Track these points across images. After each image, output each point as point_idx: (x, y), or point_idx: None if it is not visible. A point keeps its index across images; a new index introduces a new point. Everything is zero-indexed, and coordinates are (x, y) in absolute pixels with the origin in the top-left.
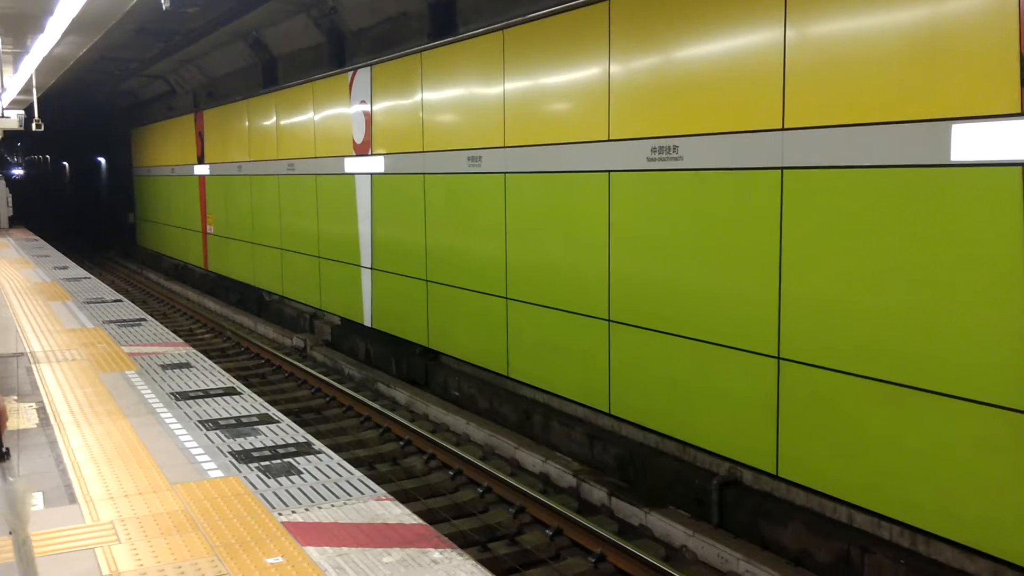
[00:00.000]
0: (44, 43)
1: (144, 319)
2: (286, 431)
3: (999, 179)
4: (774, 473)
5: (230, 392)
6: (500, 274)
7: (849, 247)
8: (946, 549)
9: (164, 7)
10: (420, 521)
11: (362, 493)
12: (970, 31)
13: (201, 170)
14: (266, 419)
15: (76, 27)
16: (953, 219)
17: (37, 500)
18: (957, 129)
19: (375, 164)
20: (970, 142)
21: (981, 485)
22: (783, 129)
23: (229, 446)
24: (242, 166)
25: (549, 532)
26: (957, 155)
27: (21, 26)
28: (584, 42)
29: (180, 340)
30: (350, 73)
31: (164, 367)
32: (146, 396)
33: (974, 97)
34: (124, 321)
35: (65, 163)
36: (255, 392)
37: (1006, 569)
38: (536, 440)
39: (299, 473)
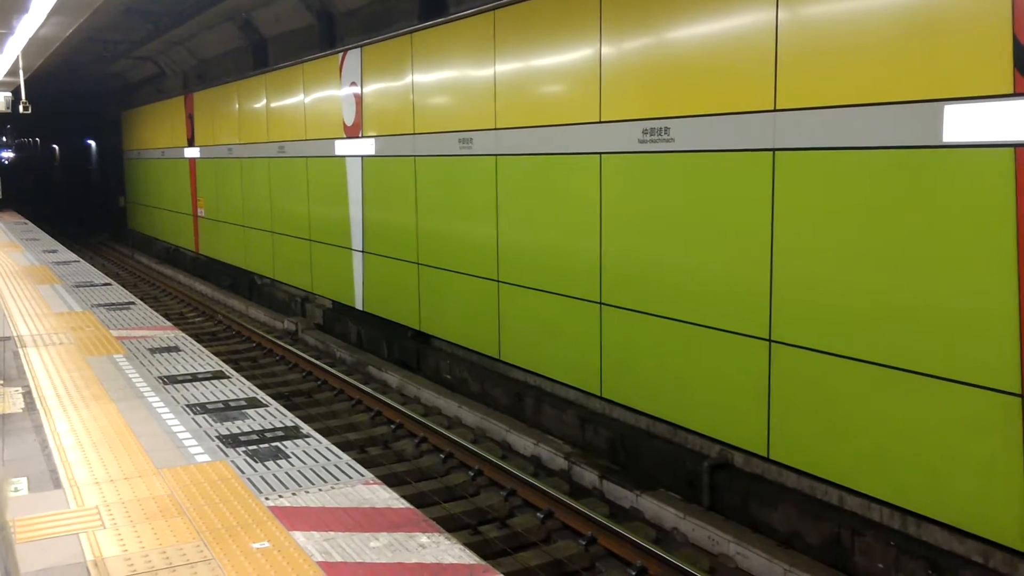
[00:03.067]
0: (29, 23)
1: (133, 303)
2: (274, 415)
3: (991, 160)
4: (765, 455)
5: (218, 376)
6: (491, 257)
7: (841, 229)
8: (936, 530)
9: None
10: (408, 505)
11: (350, 477)
12: (963, 11)
13: (191, 153)
14: (254, 403)
15: (62, 7)
16: (945, 201)
17: (22, 485)
18: (949, 110)
19: (366, 146)
20: (962, 123)
21: (971, 467)
22: (775, 110)
23: (216, 430)
24: (232, 149)
25: (540, 515)
26: (949, 136)
27: (5, 6)
28: (575, 23)
29: (169, 324)
30: (340, 55)
31: (152, 351)
32: (134, 380)
33: (966, 78)
34: (113, 305)
35: (55, 146)
36: (245, 376)
37: (995, 550)
38: (527, 423)
39: (287, 457)
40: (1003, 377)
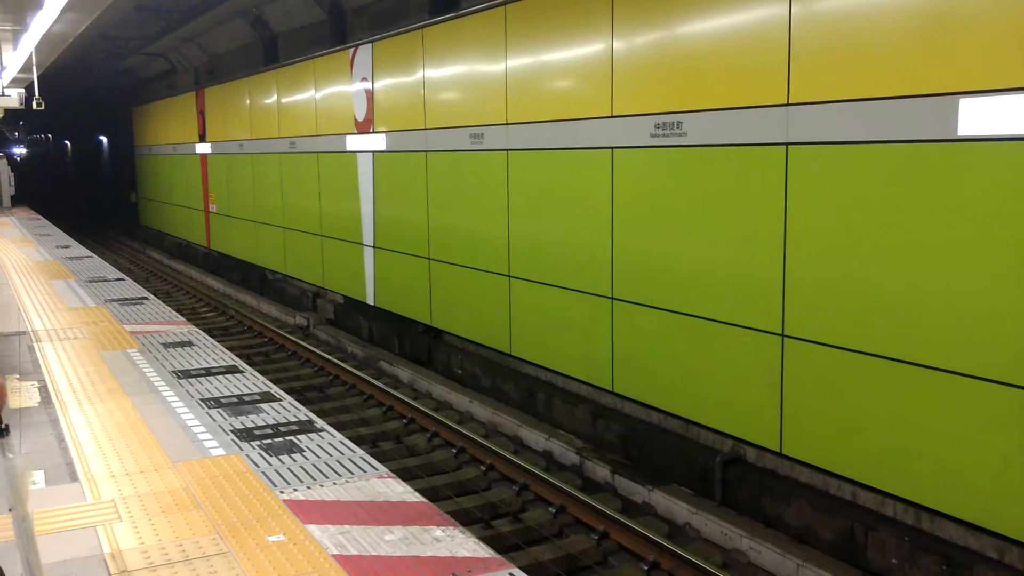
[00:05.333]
0: (43, 20)
1: (146, 298)
2: (288, 409)
3: (1007, 154)
4: (777, 451)
5: (232, 370)
6: (503, 252)
7: (854, 224)
8: (950, 526)
9: None
10: (422, 499)
11: (364, 471)
12: (978, 4)
13: (203, 148)
14: (268, 397)
15: (74, 4)
16: (960, 195)
17: (39, 478)
18: (965, 103)
19: (377, 142)
20: (978, 117)
21: (985, 462)
22: (788, 104)
23: (231, 424)
24: (243, 144)
25: (552, 510)
26: (964, 130)
27: (20, 3)
28: (587, 17)
29: (182, 319)
30: (351, 50)
31: (166, 345)
32: (148, 374)
33: (982, 71)
34: (126, 300)
35: (67, 142)
36: (258, 371)
37: (1010, 546)
38: (539, 418)
39: (301, 451)
40: (1018, 372)
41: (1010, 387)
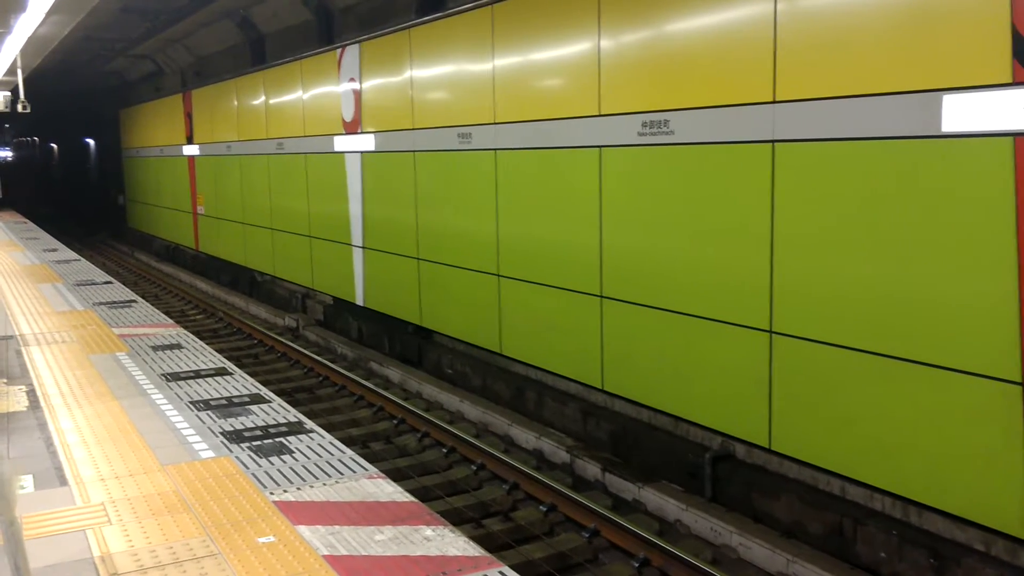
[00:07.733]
0: (27, 22)
1: (135, 301)
2: (278, 411)
3: (990, 149)
4: (766, 446)
5: (221, 372)
6: (492, 251)
7: (841, 220)
8: (937, 519)
9: None
10: (412, 499)
11: (354, 472)
12: (961, 1)
13: (190, 150)
14: (258, 399)
15: (60, 6)
16: (944, 190)
17: (27, 483)
18: (948, 100)
19: (365, 142)
20: (961, 112)
21: (972, 455)
22: (774, 102)
23: (220, 426)
24: (231, 146)
25: (543, 508)
26: (948, 126)
27: (4, 5)
28: (574, 16)
29: (171, 321)
30: (338, 51)
31: (155, 348)
32: (137, 377)
33: (965, 67)
34: (115, 303)
35: (54, 145)
36: (248, 372)
37: (997, 538)
38: (529, 417)
39: (291, 452)
40: (1003, 366)
41: (993, 380)
